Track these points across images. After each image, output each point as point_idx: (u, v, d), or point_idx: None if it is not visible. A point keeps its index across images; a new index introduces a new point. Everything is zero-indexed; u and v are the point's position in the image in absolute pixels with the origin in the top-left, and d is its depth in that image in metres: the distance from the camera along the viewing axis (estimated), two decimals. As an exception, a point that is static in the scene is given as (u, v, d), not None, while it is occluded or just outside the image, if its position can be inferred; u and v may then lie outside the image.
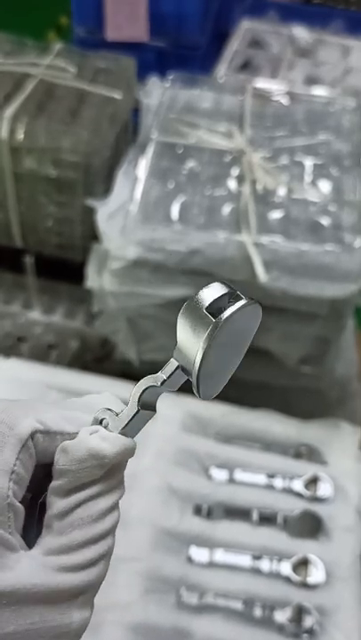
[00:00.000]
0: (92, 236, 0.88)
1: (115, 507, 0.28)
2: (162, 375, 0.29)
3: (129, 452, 0.29)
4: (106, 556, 0.28)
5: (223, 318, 0.26)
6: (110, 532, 0.28)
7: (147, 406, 0.29)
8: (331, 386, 0.93)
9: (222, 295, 0.27)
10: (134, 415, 0.28)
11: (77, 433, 0.29)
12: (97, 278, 0.86)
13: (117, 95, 0.94)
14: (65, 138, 0.87)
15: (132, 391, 0.28)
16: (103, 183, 0.92)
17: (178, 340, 0.28)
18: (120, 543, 0.29)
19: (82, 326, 1.06)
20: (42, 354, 0.99)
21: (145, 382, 0.29)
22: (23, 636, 0.26)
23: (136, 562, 0.59)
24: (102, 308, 0.89)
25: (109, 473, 0.28)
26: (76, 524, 0.27)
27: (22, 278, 1.06)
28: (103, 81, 0.97)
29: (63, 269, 1.03)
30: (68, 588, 0.27)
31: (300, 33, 1.39)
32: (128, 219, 0.80)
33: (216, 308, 0.27)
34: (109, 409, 0.29)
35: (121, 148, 0.95)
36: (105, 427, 0.29)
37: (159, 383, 0.29)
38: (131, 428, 0.29)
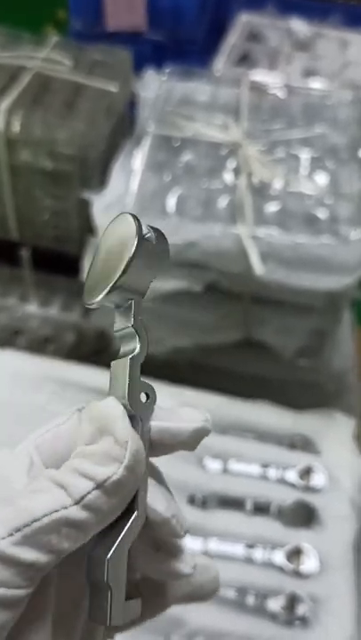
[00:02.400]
0: (89, 228, 0.88)
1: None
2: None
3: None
4: (51, 502, 0.25)
5: None
6: (73, 495, 0.25)
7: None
8: (327, 379, 0.93)
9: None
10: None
11: None
12: (93, 271, 0.87)
13: (113, 88, 0.94)
14: (61, 130, 0.87)
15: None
16: (99, 176, 0.92)
17: None
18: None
19: (78, 319, 1.07)
20: (38, 347, 0.99)
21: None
22: None
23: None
24: (98, 300, 0.89)
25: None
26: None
27: (18, 271, 1.06)
28: (99, 74, 0.97)
29: (59, 262, 1.03)
30: (5, 496, 0.25)
31: (299, 26, 1.38)
32: (124, 211, 0.80)
33: None
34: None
35: (117, 140, 0.95)
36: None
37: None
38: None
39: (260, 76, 1.04)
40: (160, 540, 0.29)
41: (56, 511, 0.24)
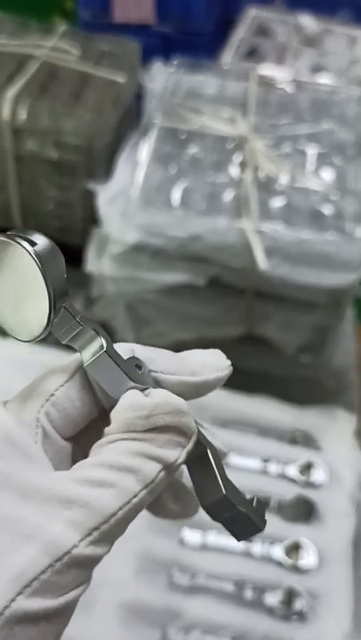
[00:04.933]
0: (93, 219, 0.88)
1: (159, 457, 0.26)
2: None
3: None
4: (115, 488, 0.24)
5: None
6: (135, 470, 0.25)
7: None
8: (329, 375, 0.93)
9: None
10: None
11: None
12: (97, 263, 0.86)
13: (121, 79, 0.94)
14: (67, 120, 0.86)
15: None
16: (105, 167, 0.92)
17: None
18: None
19: (81, 311, 1.06)
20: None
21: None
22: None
23: (129, 541, 0.59)
24: (101, 292, 0.89)
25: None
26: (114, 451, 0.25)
27: (22, 261, 1.06)
28: (107, 64, 0.97)
29: (63, 253, 1.03)
30: (58, 494, 0.23)
31: (307, 22, 1.38)
32: (129, 203, 0.80)
33: None
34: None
35: (123, 132, 0.95)
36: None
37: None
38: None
39: (268, 70, 1.04)
40: None
41: (128, 502, 0.24)
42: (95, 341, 0.27)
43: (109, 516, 0.24)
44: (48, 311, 0.26)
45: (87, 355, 0.27)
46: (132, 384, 0.27)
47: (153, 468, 0.25)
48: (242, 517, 0.28)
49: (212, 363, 0.29)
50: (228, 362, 0.29)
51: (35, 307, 0.26)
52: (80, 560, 0.23)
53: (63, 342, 0.27)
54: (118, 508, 0.24)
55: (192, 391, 0.28)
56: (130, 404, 0.26)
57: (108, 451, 0.25)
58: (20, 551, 0.23)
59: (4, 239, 0.25)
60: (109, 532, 0.24)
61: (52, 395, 0.27)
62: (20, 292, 0.26)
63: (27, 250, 0.25)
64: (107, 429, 0.26)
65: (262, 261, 0.76)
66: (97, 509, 0.24)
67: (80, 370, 0.27)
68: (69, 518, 0.23)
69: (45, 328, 0.26)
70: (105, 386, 0.27)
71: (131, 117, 1.00)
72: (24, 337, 0.27)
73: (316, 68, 1.30)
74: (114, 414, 0.26)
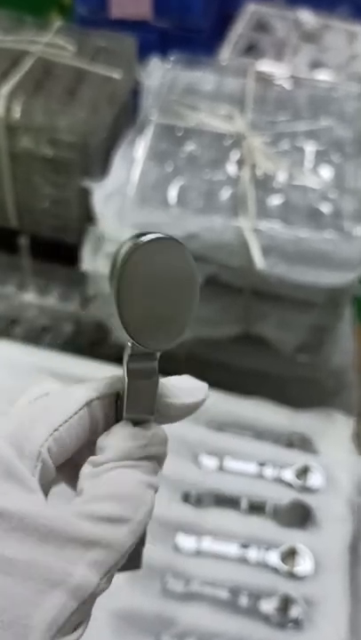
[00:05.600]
0: (89, 217, 0.87)
1: (153, 484, 0.28)
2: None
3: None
4: (130, 522, 0.25)
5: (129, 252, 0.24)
6: (143, 502, 0.26)
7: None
8: (327, 375, 0.92)
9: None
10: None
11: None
12: (92, 261, 0.85)
13: (117, 75, 0.93)
14: (62, 117, 0.85)
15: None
16: (100, 164, 0.90)
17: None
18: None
19: (77, 309, 1.05)
20: (35, 336, 0.98)
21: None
22: (20, 568, 0.24)
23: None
24: (97, 291, 0.88)
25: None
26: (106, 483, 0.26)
27: (17, 260, 1.05)
28: (103, 60, 0.95)
29: (59, 251, 1.02)
30: (78, 536, 0.24)
31: (306, 17, 1.36)
32: (125, 201, 0.79)
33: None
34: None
35: (119, 128, 0.94)
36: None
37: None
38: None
39: (266, 66, 1.03)
40: None
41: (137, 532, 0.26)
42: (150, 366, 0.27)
43: (127, 551, 0.25)
44: (183, 330, 0.26)
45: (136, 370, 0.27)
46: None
47: (152, 496, 0.27)
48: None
49: (196, 384, 0.31)
50: (204, 386, 0.31)
51: (171, 319, 0.26)
52: (97, 595, 0.25)
53: (128, 354, 0.27)
54: (133, 542, 0.25)
55: (188, 412, 0.30)
56: (131, 433, 0.27)
57: (112, 480, 0.26)
58: (48, 599, 0.23)
59: (174, 241, 0.25)
60: (121, 562, 0.25)
61: (56, 430, 0.27)
62: (161, 294, 0.25)
63: (193, 268, 0.25)
64: (101, 458, 0.27)
65: (259, 260, 0.75)
66: (117, 548, 0.25)
67: (85, 406, 0.28)
68: (92, 560, 0.24)
69: (174, 343, 0.27)
70: (131, 404, 0.28)
71: (127, 114, 0.98)
72: (151, 344, 0.27)
73: (316, 64, 1.28)
74: (109, 442, 0.27)
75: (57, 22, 1.00)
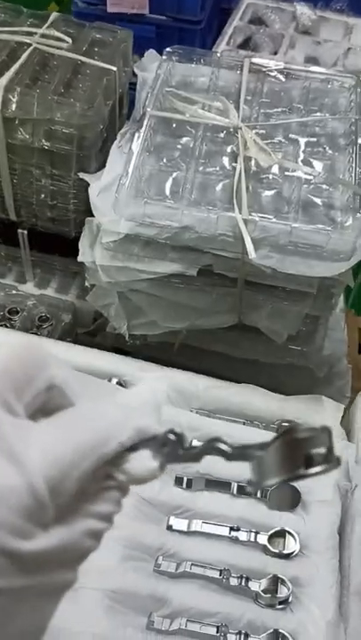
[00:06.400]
0: (86, 209, 0.88)
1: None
2: None
3: None
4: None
5: None
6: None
7: None
8: (319, 364, 0.93)
9: None
10: None
11: None
12: (89, 252, 0.87)
13: (113, 67, 0.94)
14: (58, 109, 0.86)
15: None
16: (97, 157, 0.91)
17: None
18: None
19: (74, 300, 1.07)
20: (34, 327, 0.99)
21: None
22: None
23: (115, 529, 0.59)
24: (94, 282, 0.89)
25: None
26: None
27: (15, 251, 1.06)
28: (99, 52, 0.96)
29: (57, 243, 1.03)
30: None
31: (303, 10, 1.37)
32: (121, 193, 0.80)
33: None
34: None
35: (115, 121, 0.95)
36: None
37: None
38: None
39: (260, 59, 1.03)
40: None
41: None
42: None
43: None
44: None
45: None
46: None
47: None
48: None
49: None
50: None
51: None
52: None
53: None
54: None
55: None
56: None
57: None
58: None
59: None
60: None
61: None
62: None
63: None
64: None
65: (252, 251, 0.76)
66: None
67: None
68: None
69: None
70: None
71: (123, 106, 0.99)
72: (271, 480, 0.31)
73: (312, 57, 1.29)
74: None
75: (53, 14, 1.00)
